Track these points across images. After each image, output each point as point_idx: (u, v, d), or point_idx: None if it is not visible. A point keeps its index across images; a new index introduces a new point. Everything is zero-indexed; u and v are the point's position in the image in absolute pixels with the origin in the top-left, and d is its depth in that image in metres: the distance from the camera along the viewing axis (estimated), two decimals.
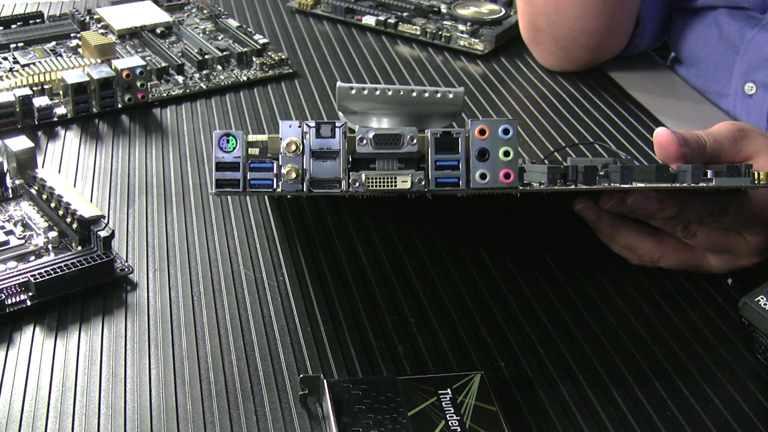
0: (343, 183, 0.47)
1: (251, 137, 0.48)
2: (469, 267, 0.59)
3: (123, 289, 0.56)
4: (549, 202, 0.62)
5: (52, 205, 0.59)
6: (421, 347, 0.53)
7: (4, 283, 0.54)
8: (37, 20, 0.89)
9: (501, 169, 0.47)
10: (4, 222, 0.59)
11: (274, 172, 0.47)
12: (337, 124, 0.47)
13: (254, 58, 0.85)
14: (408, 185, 0.47)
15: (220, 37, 0.89)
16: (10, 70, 0.79)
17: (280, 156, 0.47)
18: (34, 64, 0.80)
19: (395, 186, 0.47)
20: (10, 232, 0.58)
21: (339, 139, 0.47)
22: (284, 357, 0.51)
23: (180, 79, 0.81)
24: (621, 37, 0.85)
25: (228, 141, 0.47)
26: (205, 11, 0.94)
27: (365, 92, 0.53)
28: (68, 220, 0.58)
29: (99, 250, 0.57)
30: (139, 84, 0.76)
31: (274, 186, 0.47)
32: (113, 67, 0.76)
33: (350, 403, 0.46)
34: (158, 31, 0.88)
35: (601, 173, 0.48)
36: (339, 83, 0.54)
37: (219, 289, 0.56)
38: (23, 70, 0.78)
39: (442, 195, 0.49)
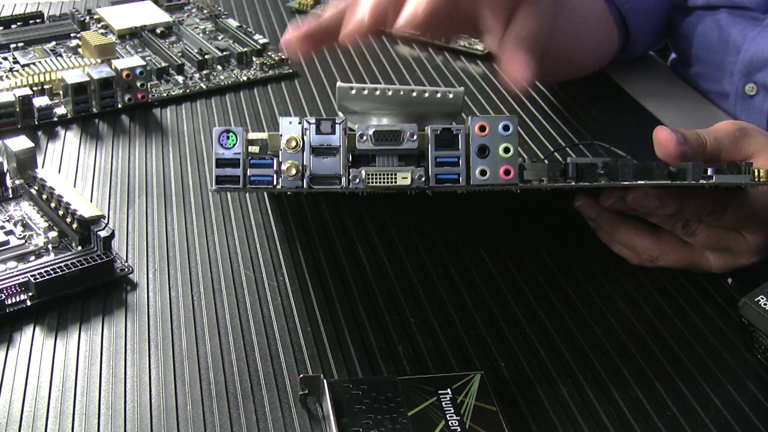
0: (343, 179, 0.47)
1: (251, 135, 0.48)
2: (469, 267, 0.59)
3: (123, 289, 0.56)
4: (549, 202, 0.62)
5: (52, 205, 0.59)
6: (421, 347, 0.52)
7: (4, 283, 0.54)
8: (37, 20, 0.89)
9: (501, 166, 0.47)
10: (4, 222, 0.59)
11: (274, 168, 0.47)
12: (337, 121, 0.47)
13: (254, 58, 0.85)
14: (408, 182, 0.47)
15: (220, 37, 0.89)
16: (10, 70, 0.79)
17: (280, 152, 0.47)
18: (34, 64, 0.80)
19: (395, 182, 0.47)
20: (10, 232, 0.58)
21: (339, 135, 0.47)
22: (284, 357, 0.51)
23: (180, 79, 0.81)
24: (596, 57, 0.82)
25: (228, 137, 0.47)
26: (205, 11, 0.94)
27: (365, 92, 0.53)
28: (68, 220, 0.58)
29: (99, 250, 0.56)
30: (139, 84, 0.76)
31: (274, 182, 0.47)
32: (113, 67, 0.76)
33: (350, 403, 0.46)
34: (158, 31, 0.88)
35: (601, 171, 0.48)
36: (339, 83, 0.54)
37: (219, 289, 0.56)
38: (23, 70, 0.78)
39: (442, 192, 0.49)
